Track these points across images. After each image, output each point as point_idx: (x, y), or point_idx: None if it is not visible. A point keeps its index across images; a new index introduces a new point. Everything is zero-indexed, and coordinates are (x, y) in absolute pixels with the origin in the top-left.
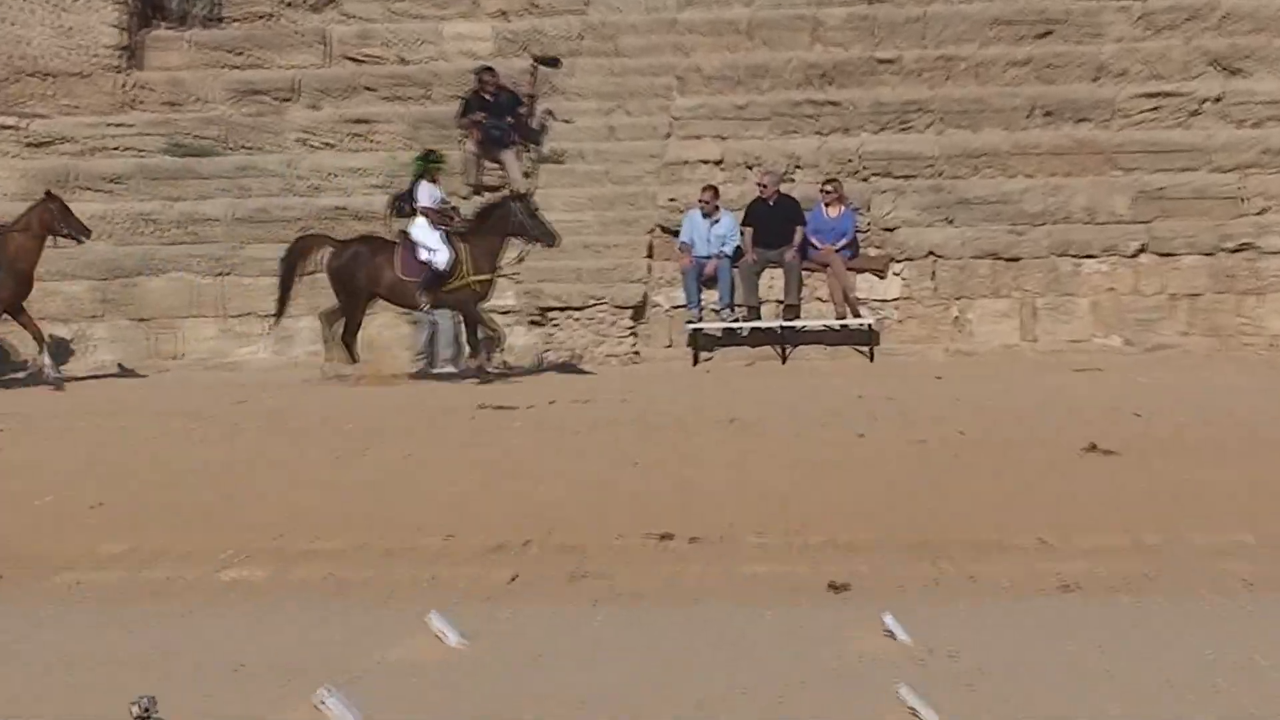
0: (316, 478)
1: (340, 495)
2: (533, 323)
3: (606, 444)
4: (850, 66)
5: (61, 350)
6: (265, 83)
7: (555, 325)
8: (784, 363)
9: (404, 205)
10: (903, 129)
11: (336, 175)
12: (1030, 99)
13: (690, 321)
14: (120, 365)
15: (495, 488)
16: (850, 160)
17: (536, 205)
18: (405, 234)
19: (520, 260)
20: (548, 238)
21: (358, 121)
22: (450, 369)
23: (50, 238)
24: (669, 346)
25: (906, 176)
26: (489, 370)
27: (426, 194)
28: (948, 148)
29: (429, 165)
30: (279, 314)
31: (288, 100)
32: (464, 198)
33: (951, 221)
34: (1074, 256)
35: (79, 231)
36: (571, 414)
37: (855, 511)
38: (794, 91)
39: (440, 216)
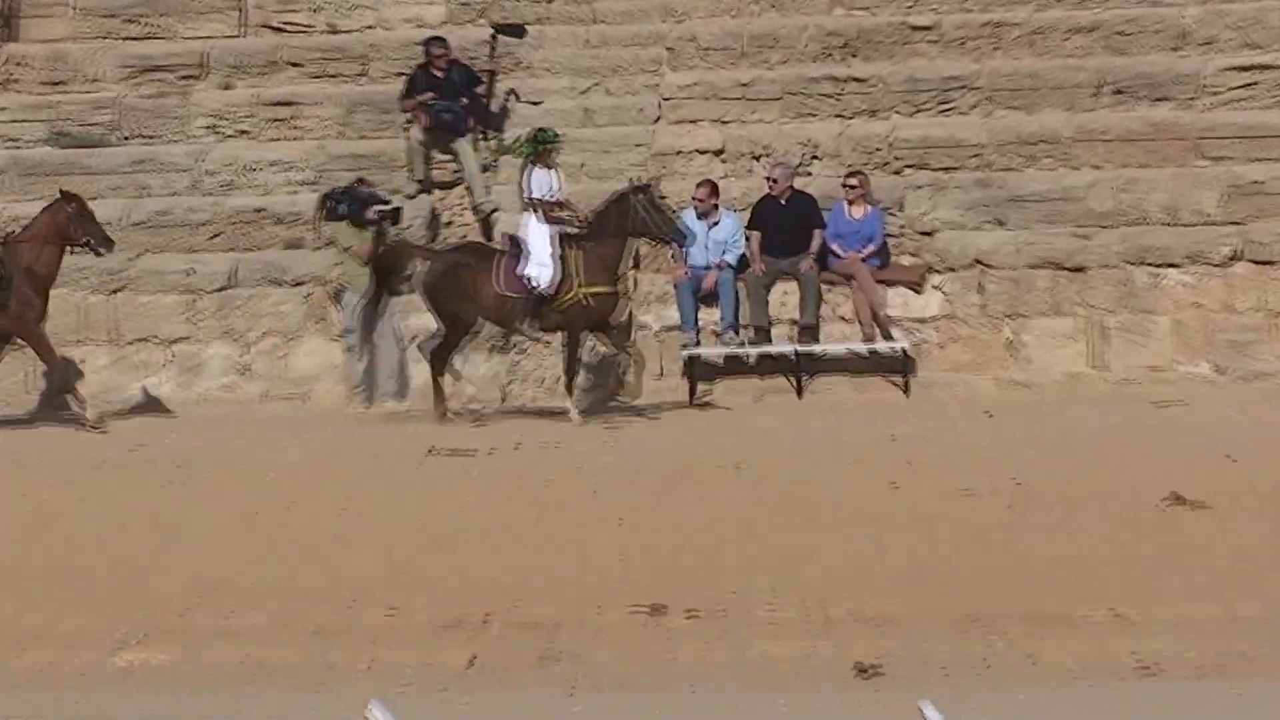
0: (231, 539)
1: (261, 560)
2: (494, 349)
3: (584, 497)
4: (878, 35)
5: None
6: (167, 57)
7: (521, 352)
8: (800, 396)
9: (337, 205)
10: (943, 111)
11: (254, 170)
12: (1097, 73)
13: (685, 346)
14: (144, 391)
15: (449, 551)
16: (879, 149)
17: (662, 196)
18: (513, 238)
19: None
20: (677, 235)
21: (280, 104)
22: (394, 404)
23: (66, 247)
24: (660, 377)
25: (947, 169)
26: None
27: (539, 182)
28: (997, 133)
29: (541, 146)
30: (370, 333)
31: (194, 79)
32: (409, 196)
33: (1002, 223)
34: (1152, 265)
35: (100, 242)
36: (541, 460)
37: (888, 578)
38: (810, 65)
39: (552, 209)
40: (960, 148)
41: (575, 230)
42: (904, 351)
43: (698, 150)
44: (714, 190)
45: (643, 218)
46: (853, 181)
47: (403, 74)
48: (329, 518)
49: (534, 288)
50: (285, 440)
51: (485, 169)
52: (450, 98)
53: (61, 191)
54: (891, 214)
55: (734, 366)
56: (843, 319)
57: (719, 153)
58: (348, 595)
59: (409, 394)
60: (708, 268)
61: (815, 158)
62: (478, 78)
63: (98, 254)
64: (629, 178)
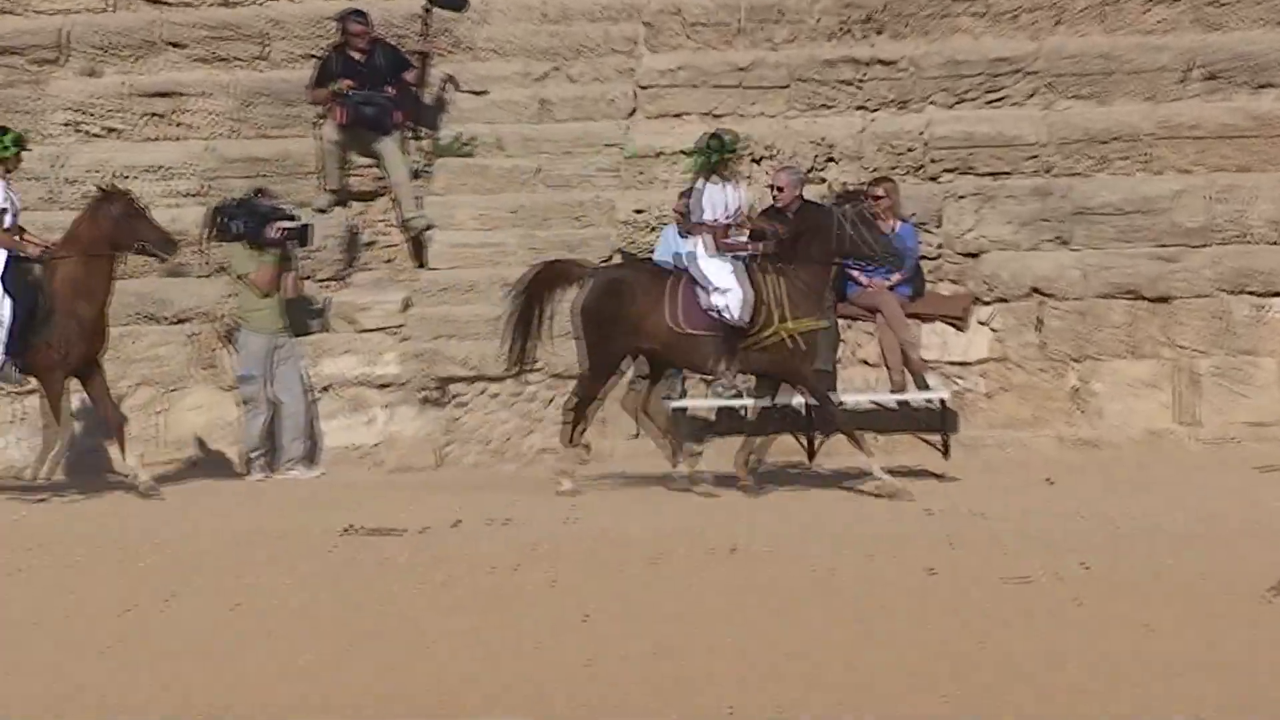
0: (99, 640)
1: (135, 666)
2: (426, 401)
3: (540, 587)
4: (910, 6)
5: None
6: (16, 36)
7: (461, 405)
8: (811, 459)
9: (231, 222)
10: (991, 102)
11: (127, 175)
12: (1185, 54)
13: (668, 397)
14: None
15: (369, 656)
16: (911, 149)
17: (871, 208)
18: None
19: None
20: (892, 256)
21: (158, 95)
22: (301, 472)
23: (119, 255)
24: (636, 436)
25: (996, 174)
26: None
27: (713, 201)
28: (1059, 129)
29: (717, 156)
30: (518, 370)
31: (51, 63)
32: (320, 210)
33: (1066, 242)
34: (1254, 295)
35: (160, 244)
36: (485, 542)
37: (923, 687)
38: (824, 44)
39: (726, 233)
40: (1013, 147)
41: (765, 252)
42: (943, 403)
43: (683, 151)
44: None
45: (851, 236)
46: (878, 190)
47: (312, 56)
48: (219, 614)
49: (726, 320)
50: (164, 516)
51: (416, 176)
52: (373, 86)
53: (100, 189)
54: (927, 230)
55: (729, 422)
56: (865, 363)
57: None
58: (242, 712)
59: (319, 459)
60: None
61: (831, 160)
62: (407, 61)
63: (161, 259)
64: (829, 181)
